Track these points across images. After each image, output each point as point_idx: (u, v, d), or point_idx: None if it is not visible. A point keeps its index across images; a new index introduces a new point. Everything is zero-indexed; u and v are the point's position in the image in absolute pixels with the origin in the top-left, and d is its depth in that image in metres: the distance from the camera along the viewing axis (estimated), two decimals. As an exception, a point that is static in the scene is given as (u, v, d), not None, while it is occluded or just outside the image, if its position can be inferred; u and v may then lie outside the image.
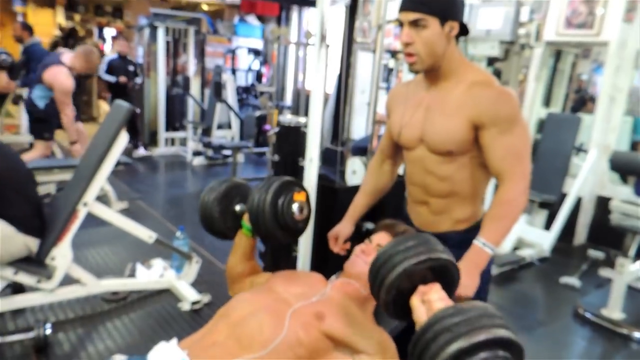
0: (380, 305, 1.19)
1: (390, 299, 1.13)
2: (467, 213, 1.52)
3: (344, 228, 1.75)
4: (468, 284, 1.36)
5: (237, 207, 1.67)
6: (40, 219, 2.29)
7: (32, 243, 2.24)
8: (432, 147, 1.48)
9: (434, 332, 0.96)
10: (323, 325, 1.22)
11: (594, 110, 4.50)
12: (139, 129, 6.69)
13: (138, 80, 6.60)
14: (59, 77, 3.89)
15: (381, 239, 1.52)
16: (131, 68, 6.43)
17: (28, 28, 5.06)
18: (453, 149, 1.44)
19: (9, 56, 3.88)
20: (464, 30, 1.46)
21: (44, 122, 4.15)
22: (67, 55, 4.02)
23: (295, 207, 1.54)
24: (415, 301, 1.12)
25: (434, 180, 1.51)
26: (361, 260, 1.46)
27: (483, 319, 0.97)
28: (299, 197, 1.55)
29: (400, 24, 1.42)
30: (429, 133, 1.48)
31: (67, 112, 3.95)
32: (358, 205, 1.78)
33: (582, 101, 6.00)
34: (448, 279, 1.15)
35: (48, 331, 2.20)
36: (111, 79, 6.26)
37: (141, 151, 6.65)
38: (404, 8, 1.39)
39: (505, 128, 1.37)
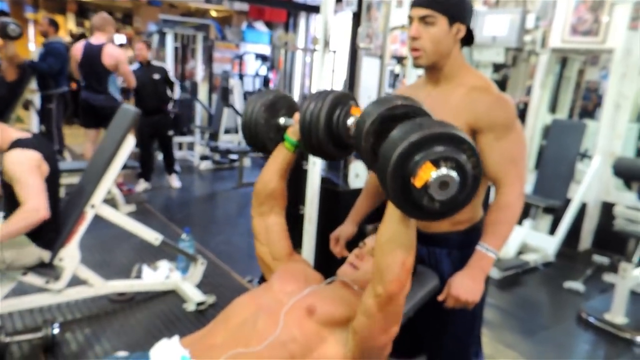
0: (362, 155, 1.21)
1: (369, 146, 1.17)
2: (465, 215, 1.54)
3: (345, 229, 1.77)
4: (475, 288, 1.40)
5: (282, 120, 1.57)
6: (57, 232, 2.33)
7: (45, 255, 2.29)
8: None
9: (392, 140, 1.03)
10: (316, 317, 1.24)
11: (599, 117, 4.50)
12: (171, 156, 5.51)
13: (171, 93, 5.40)
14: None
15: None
16: (156, 76, 5.20)
17: (55, 24, 5.13)
18: None
19: (18, 26, 3.95)
20: (469, 38, 1.50)
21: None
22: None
23: (350, 120, 1.43)
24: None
25: None
26: (353, 267, 1.46)
27: (437, 123, 1.05)
28: (355, 111, 1.45)
29: (410, 20, 1.47)
30: None
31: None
32: (360, 207, 1.81)
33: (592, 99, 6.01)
34: None
35: (56, 331, 2.24)
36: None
37: (175, 183, 5.57)
38: (415, 4, 1.45)
39: (501, 133, 1.41)
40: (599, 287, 3.56)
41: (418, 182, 0.98)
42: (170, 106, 5.49)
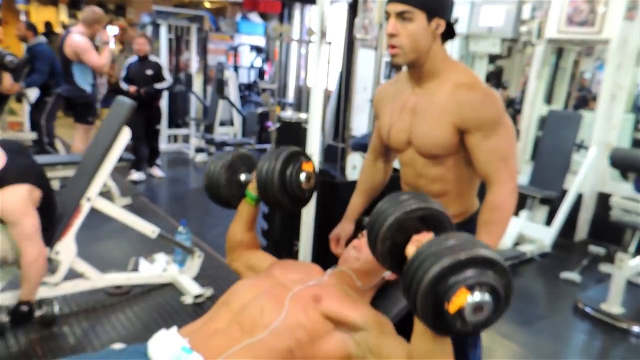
0: (378, 259, 1.24)
1: (385, 250, 1.18)
2: (460, 208, 1.53)
3: (344, 229, 1.76)
4: None
5: (243, 177, 1.71)
6: (52, 226, 2.31)
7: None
8: (420, 151, 1.49)
9: (420, 260, 1.02)
10: (321, 307, 1.24)
11: (595, 108, 4.51)
12: (156, 150, 5.53)
13: (161, 86, 5.26)
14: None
15: None
16: (149, 72, 5.15)
17: (32, 28, 5.05)
18: (440, 152, 1.45)
19: (15, 57, 3.92)
20: (450, 32, 1.46)
21: (89, 106, 4.53)
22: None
23: (303, 176, 1.58)
24: (409, 249, 1.16)
25: (426, 182, 1.53)
26: (354, 256, 1.47)
27: (467, 243, 1.03)
28: (306, 166, 1.60)
29: (387, 15, 1.42)
30: (416, 137, 1.49)
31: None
32: (355, 205, 1.80)
33: (584, 100, 6.02)
34: (441, 229, 1.19)
35: (56, 308, 2.29)
36: (125, 87, 5.13)
37: (158, 172, 5.53)
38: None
39: (489, 131, 1.38)
40: (595, 278, 3.58)
41: (452, 308, 0.98)
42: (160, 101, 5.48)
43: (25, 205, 2.08)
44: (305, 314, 1.22)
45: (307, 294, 1.27)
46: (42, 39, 5.11)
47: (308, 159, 1.63)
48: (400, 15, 1.38)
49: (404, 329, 1.26)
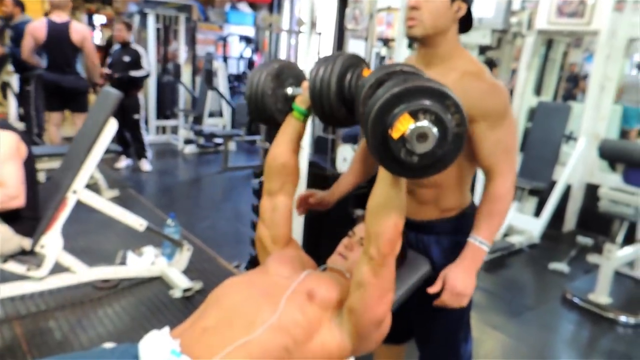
0: (360, 122, 1.20)
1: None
2: (453, 202, 1.52)
3: (323, 198, 1.74)
4: (468, 282, 1.39)
5: (290, 90, 1.51)
6: (37, 219, 2.27)
7: (26, 243, 2.23)
8: None
9: (377, 95, 1.02)
10: (316, 301, 1.22)
11: (586, 92, 4.53)
12: (140, 140, 5.42)
13: (137, 73, 5.22)
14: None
15: (364, 230, 1.51)
16: (127, 59, 5.16)
17: (20, 4, 4.93)
18: None
19: None
20: (468, 22, 1.46)
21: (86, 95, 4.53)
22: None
23: None
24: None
25: None
26: (342, 257, 1.44)
27: (420, 78, 1.03)
28: (368, 73, 1.38)
29: None
30: None
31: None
32: (343, 181, 1.78)
33: (576, 81, 6.06)
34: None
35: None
36: (107, 71, 5.09)
37: (146, 166, 5.48)
38: None
39: (495, 122, 1.37)
40: (582, 268, 3.61)
41: (395, 134, 0.97)
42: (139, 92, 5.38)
43: (13, 150, 2.05)
44: (301, 313, 1.20)
45: (301, 291, 1.25)
46: (28, 17, 5.01)
47: (368, 66, 1.44)
48: None
49: (393, 317, 1.26)
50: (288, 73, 1.52)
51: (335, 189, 1.77)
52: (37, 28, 4.22)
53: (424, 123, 0.97)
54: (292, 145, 1.48)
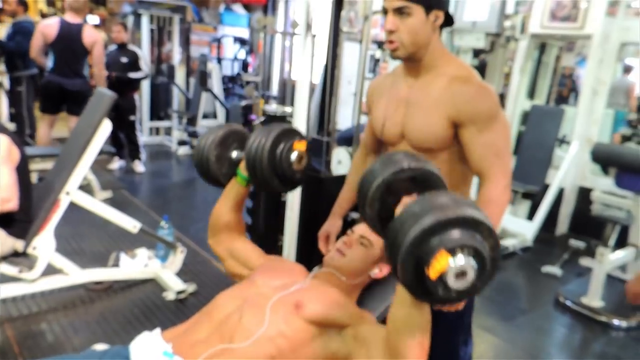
0: (368, 224, 1.17)
1: (374, 214, 1.12)
2: None
3: (333, 225, 1.72)
4: None
5: (234, 154, 1.58)
6: (29, 220, 2.26)
7: (18, 245, 2.22)
8: (413, 143, 1.47)
9: (402, 221, 0.97)
10: (303, 313, 1.22)
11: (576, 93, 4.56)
12: (135, 142, 5.33)
13: (136, 75, 5.19)
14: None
15: (363, 229, 1.50)
16: (124, 60, 5.13)
17: (24, 3, 4.90)
18: (433, 146, 1.43)
19: None
20: (449, 21, 1.45)
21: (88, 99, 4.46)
22: None
23: (294, 155, 1.46)
24: (397, 211, 1.10)
25: None
26: (340, 253, 1.44)
27: (452, 202, 0.97)
28: (299, 145, 1.47)
29: (385, 11, 1.40)
30: (409, 129, 1.47)
31: None
32: (344, 200, 1.77)
33: (571, 82, 6.12)
34: (432, 189, 1.12)
35: None
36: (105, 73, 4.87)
37: (139, 168, 5.40)
38: None
39: (484, 125, 1.37)
40: (575, 271, 3.63)
41: (433, 274, 0.92)
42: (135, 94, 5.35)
43: (4, 153, 2.03)
44: (286, 323, 1.20)
45: (288, 302, 1.24)
46: (30, 17, 4.99)
47: (301, 137, 1.50)
48: (398, 11, 1.37)
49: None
50: (234, 138, 1.59)
51: (337, 210, 1.76)
52: (48, 26, 4.18)
53: (462, 260, 0.92)
54: (235, 207, 1.57)
